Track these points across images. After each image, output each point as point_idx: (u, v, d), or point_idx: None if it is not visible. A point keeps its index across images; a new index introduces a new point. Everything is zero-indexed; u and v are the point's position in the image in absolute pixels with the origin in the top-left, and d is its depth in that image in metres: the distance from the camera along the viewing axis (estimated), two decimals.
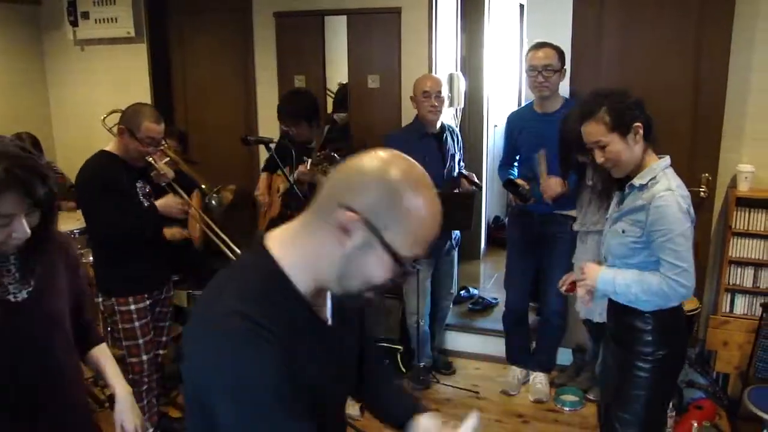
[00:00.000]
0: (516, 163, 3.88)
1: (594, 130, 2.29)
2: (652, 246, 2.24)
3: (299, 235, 1.22)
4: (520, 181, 3.58)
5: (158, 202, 3.10)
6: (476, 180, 3.89)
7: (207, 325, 1.15)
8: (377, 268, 1.16)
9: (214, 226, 3.32)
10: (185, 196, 3.24)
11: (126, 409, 2.01)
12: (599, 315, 3.22)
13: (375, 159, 1.16)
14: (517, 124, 3.79)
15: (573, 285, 3.00)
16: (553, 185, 3.45)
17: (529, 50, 3.62)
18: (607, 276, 2.34)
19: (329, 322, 1.30)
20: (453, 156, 3.90)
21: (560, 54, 3.54)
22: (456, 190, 3.86)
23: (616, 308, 2.44)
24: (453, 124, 4.42)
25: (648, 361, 2.33)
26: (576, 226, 3.49)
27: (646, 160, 2.30)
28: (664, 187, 2.22)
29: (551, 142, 3.40)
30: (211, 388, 1.13)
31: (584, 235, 3.43)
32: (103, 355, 2.04)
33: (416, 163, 1.19)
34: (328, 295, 1.30)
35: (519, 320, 4.06)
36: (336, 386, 1.34)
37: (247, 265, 1.26)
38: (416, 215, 1.14)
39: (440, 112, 3.76)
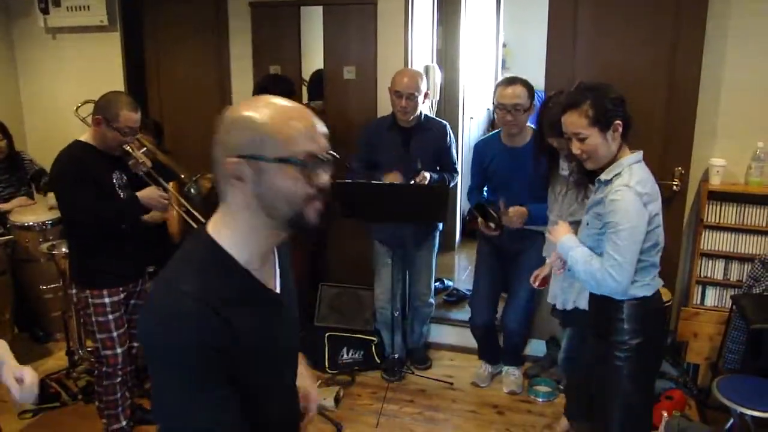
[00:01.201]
0: (486, 190, 3.85)
1: (575, 121, 2.33)
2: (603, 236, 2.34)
3: (224, 211, 1.30)
4: (491, 211, 3.52)
5: (140, 193, 3.06)
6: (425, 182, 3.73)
7: (150, 304, 1.28)
8: (287, 182, 1.23)
9: (196, 214, 3.29)
10: (165, 184, 3.21)
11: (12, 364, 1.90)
12: (564, 302, 3.22)
13: (231, 107, 1.28)
14: (486, 153, 3.71)
15: (545, 280, 3.08)
16: (516, 218, 3.42)
17: (498, 86, 3.56)
18: (567, 243, 2.47)
19: (277, 289, 1.38)
20: (427, 151, 3.81)
21: (530, 91, 3.47)
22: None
23: (595, 299, 2.51)
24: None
25: (624, 350, 2.40)
26: (551, 217, 3.50)
27: (618, 156, 2.36)
28: (623, 182, 2.28)
29: (521, 175, 3.46)
30: (148, 360, 1.25)
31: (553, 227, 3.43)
32: None
33: (258, 96, 1.30)
34: (276, 263, 1.40)
35: (486, 332, 4.00)
36: (287, 349, 1.45)
37: (192, 248, 1.33)
38: (270, 124, 1.22)
39: (410, 112, 3.70)
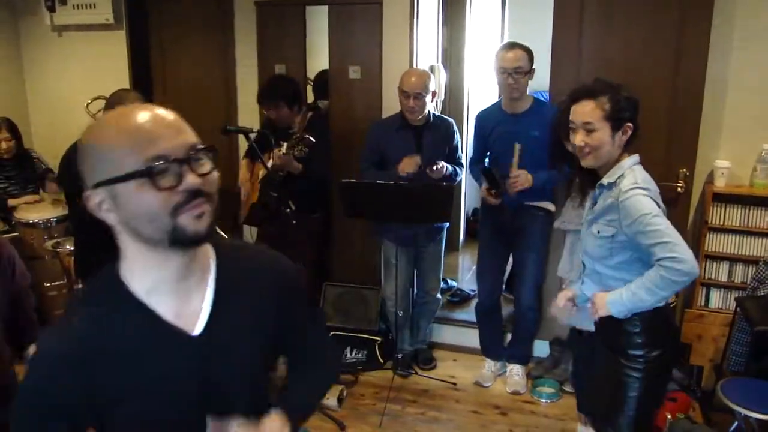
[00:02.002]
0: (487, 161, 3.88)
1: (589, 111, 2.27)
2: (636, 241, 2.22)
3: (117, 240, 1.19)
4: (495, 176, 3.58)
5: None
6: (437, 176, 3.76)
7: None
8: (141, 198, 1.08)
9: None
10: None
11: None
12: (575, 321, 3.20)
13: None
14: (487, 123, 3.77)
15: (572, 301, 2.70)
16: (522, 178, 3.46)
17: (499, 51, 3.59)
18: (614, 298, 2.27)
19: (196, 329, 1.20)
20: (438, 149, 3.84)
21: (530, 55, 3.53)
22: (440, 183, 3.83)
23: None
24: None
25: (640, 362, 2.31)
26: (556, 224, 3.51)
27: (618, 160, 2.32)
28: (630, 182, 2.24)
29: (523, 142, 3.47)
30: None
31: (569, 234, 3.43)
32: None
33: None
34: (206, 298, 1.22)
35: (490, 312, 4.08)
36: (199, 396, 1.22)
37: (92, 281, 1.27)
38: (101, 142, 1.10)
39: (417, 111, 3.72)
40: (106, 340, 1.15)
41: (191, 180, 1.10)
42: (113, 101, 2.94)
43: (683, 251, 2.11)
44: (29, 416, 1.18)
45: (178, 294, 1.19)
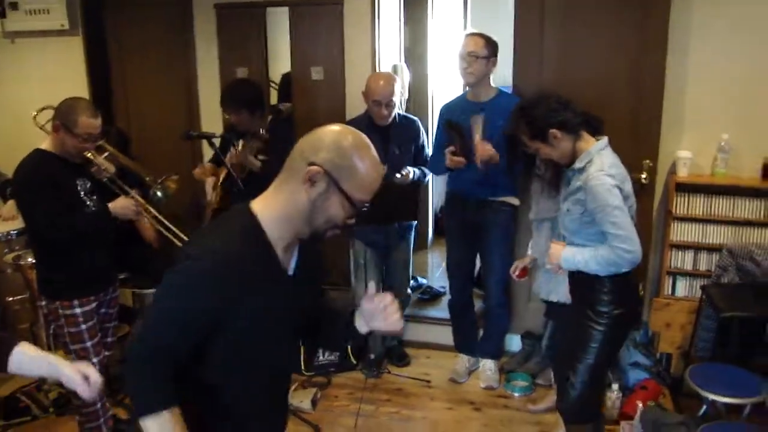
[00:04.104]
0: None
1: (523, 141, 2.62)
2: (596, 222, 2.49)
3: (275, 194, 1.55)
4: (462, 133, 3.54)
5: (112, 205, 3.00)
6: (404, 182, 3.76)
7: (182, 255, 1.51)
8: (337, 209, 1.52)
9: (162, 219, 3.26)
10: (129, 190, 3.15)
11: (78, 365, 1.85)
12: (555, 295, 3.33)
13: (333, 129, 1.54)
14: (452, 113, 3.75)
15: (524, 271, 3.16)
16: (487, 147, 3.43)
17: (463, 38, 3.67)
18: (568, 255, 2.60)
19: (290, 272, 1.62)
20: (404, 148, 3.86)
21: (489, 43, 3.57)
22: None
23: (576, 278, 2.70)
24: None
25: (605, 317, 2.58)
26: (531, 215, 3.53)
27: (580, 148, 2.55)
28: (597, 167, 2.47)
29: (488, 131, 3.47)
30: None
31: (539, 224, 3.46)
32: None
33: (363, 134, 1.56)
34: (295, 251, 1.64)
35: (462, 308, 4.10)
36: (285, 328, 1.67)
37: (231, 217, 1.58)
38: (361, 170, 1.50)
39: (389, 116, 3.77)
40: (245, 266, 1.49)
41: (352, 221, 1.57)
42: (62, 110, 2.87)
43: (633, 244, 2.43)
44: (178, 317, 1.48)
45: (287, 250, 1.60)
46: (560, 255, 2.62)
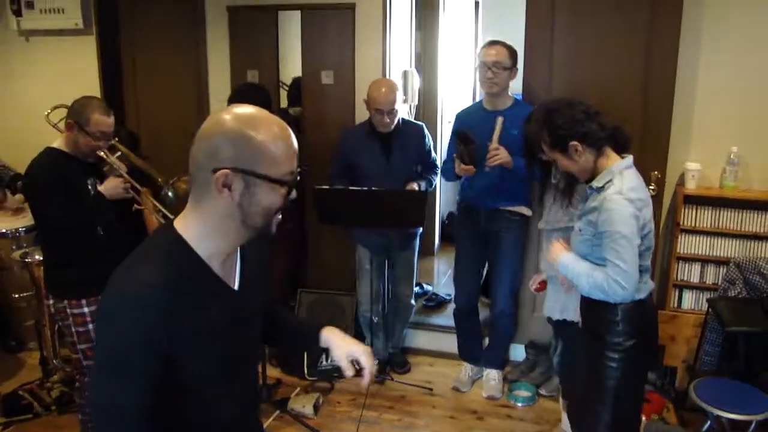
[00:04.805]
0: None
1: (544, 148, 2.44)
2: (602, 246, 2.32)
3: (197, 213, 1.39)
4: (471, 138, 3.52)
5: (102, 188, 2.99)
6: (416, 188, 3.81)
7: (107, 289, 1.36)
8: (269, 196, 1.36)
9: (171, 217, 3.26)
10: (138, 187, 3.15)
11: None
12: (559, 312, 3.30)
13: (212, 123, 1.35)
14: (466, 121, 3.76)
15: (543, 284, 3.08)
16: (502, 152, 3.42)
17: (483, 47, 3.65)
18: (565, 261, 2.47)
19: (235, 287, 1.49)
20: (407, 154, 3.86)
21: (512, 53, 3.57)
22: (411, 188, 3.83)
23: (587, 301, 2.50)
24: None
25: (618, 351, 2.39)
26: (541, 224, 3.51)
27: (602, 165, 2.37)
28: (615, 190, 2.29)
29: (504, 136, 3.45)
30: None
31: (549, 234, 3.44)
32: None
33: (246, 105, 1.39)
34: (237, 263, 1.51)
35: (468, 316, 4.08)
36: (238, 342, 1.52)
37: (157, 240, 1.46)
38: (265, 142, 1.33)
39: (391, 123, 3.75)
40: (174, 291, 1.33)
41: (293, 196, 1.41)
42: (75, 108, 2.89)
43: (629, 282, 2.27)
44: (131, 354, 1.31)
45: (225, 261, 1.45)
46: (559, 256, 2.50)
